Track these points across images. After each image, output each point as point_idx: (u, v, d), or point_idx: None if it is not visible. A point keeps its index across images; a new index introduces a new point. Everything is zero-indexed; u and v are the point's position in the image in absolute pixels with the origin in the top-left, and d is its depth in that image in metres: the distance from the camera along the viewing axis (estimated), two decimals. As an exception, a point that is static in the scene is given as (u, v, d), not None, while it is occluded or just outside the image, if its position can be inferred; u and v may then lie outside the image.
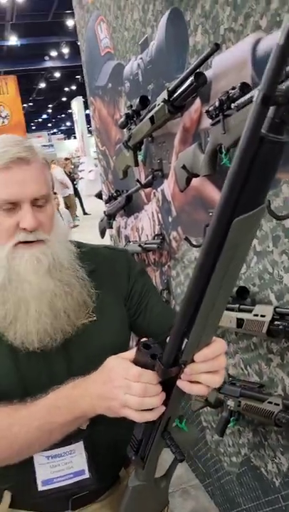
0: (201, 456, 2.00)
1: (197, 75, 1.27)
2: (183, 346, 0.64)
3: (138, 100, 1.68)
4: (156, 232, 1.98)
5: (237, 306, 1.30)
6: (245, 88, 1.09)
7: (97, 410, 0.74)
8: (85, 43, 2.50)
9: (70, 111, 25.05)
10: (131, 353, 0.71)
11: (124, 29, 1.89)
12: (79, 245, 0.99)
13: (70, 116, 28.42)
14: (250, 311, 1.24)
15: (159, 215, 1.93)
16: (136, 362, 0.68)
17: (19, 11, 13.35)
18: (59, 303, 0.86)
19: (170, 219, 1.83)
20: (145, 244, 1.98)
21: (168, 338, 0.64)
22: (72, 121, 23.31)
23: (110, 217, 2.37)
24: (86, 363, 0.84)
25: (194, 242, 1.57)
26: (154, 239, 1.97)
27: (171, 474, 0.87)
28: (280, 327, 1.10)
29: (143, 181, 1.87)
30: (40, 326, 0.84)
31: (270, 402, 1.24)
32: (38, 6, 13.38)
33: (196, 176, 1.38)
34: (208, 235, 0.53)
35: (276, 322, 1.14)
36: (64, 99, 26.32)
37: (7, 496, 0.92)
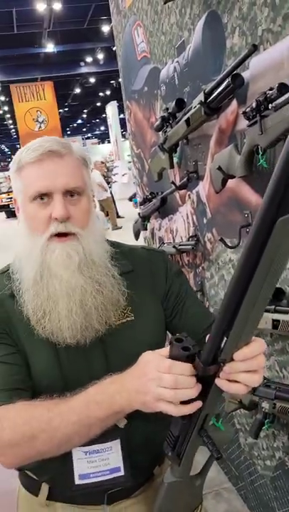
0: (234, 459, 1.99)
1: (234, 77, 1.28)
2: (222, 345, 0.64)
3: (174, 103, 1.70)
4: (190, 234, 1.99)
5: (273, 307, 1.29)
6: (283, 89, 1.09)
7: (133, 405, 0.75)
8: (121, 48, 2.55)
9: (104, 115, 25.36)
10: (166, 349, 0.72)
11: (161, 33, 1.91)
12: (117, 246, 1.01)
13: (104, 121, 28.77)
14: (286, 312, 1.23)
15: (194, 217, 1.94)
16: (170, 356, 0.70)
17: (56, 18, 13.66)
18: (89, 300, 0.88)
19: (205, 220, 1.84)
20: (179, 245, 2.00)
21: (208, 337, 0.65)
22: (106, 126, 23.59)
23: (145, 219, 2.39)
24: (123, 361, 0.85)
25: (229, 244, 1.57)
26: (188, 240, 1.98)
27: (206, 473, 0.87)
28: None
29: (178, 183, 1.89)
30: (71, 323, 0.86)
31: (306, 405, 1.23)
32: (74, 13, 13.66)
33: (232, 177, 1.39)
34: (251, 234, 0.54)
35: (313, 323, 1.13)
36: (98, 104, 26.67)
37: (45, 488, 0.95)
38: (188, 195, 1.94)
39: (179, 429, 0.74)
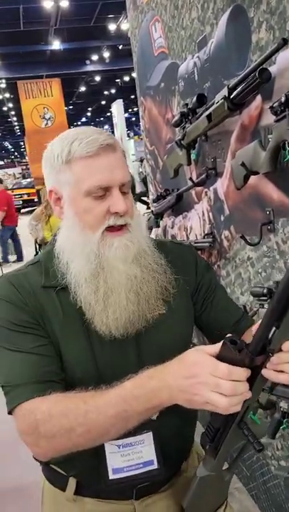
0: (245, 459, 1.97)
1: (261, 71, 1.26)
2: (270, 335, 0.64)
3: (195, 98, 1.68)
4: (206, 232, 1.98)
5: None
6: (314, 83, 1.08)
7: (175, 401, 0.74)
8: (137, 44, 2.53)
9: (108, 114, 25.33)
10: (213, 348, 0.70)
11: (181, 28, 1.90)
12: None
13: (108, 120, 28.77)
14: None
15: (210, 214, 1.93)
16: (221, 357, 0.68)
17: (63, 15, 13.66)
18: (144, 289, 0.88)
19: (222, 218, 1.82)
20: (195, 243, 1.98)
21: (255, 327, 0.65)
22: (110, 125, 23.58)
23: (158, 216, 2.38)
24: (156, 353, 0.87)
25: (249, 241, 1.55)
26: (204, 238, 1.96)
27: (235, 467, 0.87)
28: None
29: (196, 180, 1.87)
30: (126, 313, 0.87)
31: None
32: (81, 10, 13.65)
33: (256, 173, 1.38)
34: None
35: None
36: (103, 102, 26.69)
37: (72, 482, 0.94)
38: (205, 192, 1.92)
39: (220, 422, 0.73)
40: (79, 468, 0.92)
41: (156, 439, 0.88)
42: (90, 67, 19.26)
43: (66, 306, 0.90)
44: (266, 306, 1.41)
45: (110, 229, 0.87)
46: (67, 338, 0.88)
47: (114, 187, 0.86)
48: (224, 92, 1.44)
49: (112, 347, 0.89)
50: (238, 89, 1.38)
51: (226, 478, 0.86)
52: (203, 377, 0.68)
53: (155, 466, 0.88)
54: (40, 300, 0.89)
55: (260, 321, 0.67)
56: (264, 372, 0.67)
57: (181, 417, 0.91)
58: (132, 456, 0.87)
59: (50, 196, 0.93)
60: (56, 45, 16.16)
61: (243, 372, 0.66)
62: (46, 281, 0.90)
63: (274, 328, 0.64)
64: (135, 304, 0.87)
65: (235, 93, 1.40)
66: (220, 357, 0.68)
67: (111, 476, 0.87)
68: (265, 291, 1.44)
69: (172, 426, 0.91)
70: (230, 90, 1.41)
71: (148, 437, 0.88)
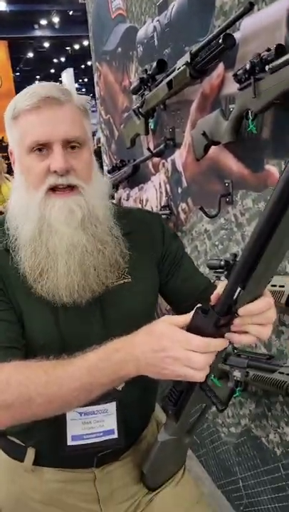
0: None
1: (226, 37, 1.23)
2: (236, 296, 0.64)
3: (155, 64, 1.62)
4: (162, 204, 1.95)
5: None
6: (280, 50, 1.06)
7: (142, 373, 0.72)
8: (92, 5, 2.41)
9: (58, 83, 24.40)
10: (181, 318, 0.68)
11: (141, -11, 1.81)
12: (116, 205, 0.98)
13: (57, 89, 27.65)
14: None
15: (167, 186, 1.90)
16: (192, 327, 0.67)
17: (10, -26, 12.84)
18: (89, 260, 0.84)
19: (180, 190, 1.80)
20: (151, 215, 1.96)
21: (223, 287, 0.65)
22: (60, 95, 22.70)
23: (113, 187, 2.32)
24: (120, 321, 0.86)
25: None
26: (160, 210, 1.94)
27: (195, 431, 0.87)
28: (302, 297, 1.10)
29: (153, 150, 1.83)
30: (68, 282, 0.83)
31: (281, 373, 1.25)
32: None
33: (217, 143, 1.36)
34: (279, 184, 0.55)
35: (295, 292, 1.14)
36: (52, 70, 25.63)
37: (31, 452, 0.92)
38: (163, 163, 1.89)
39: (183, 385, 0.74)
40: (38, 437, 0.90)
41: (119, 409, 0.88)
42: (38, 32, 18.32)
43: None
44: (222, 278, 1.42)
45: (56, 190, 0.82)
46: (29, 305, 0.85)
47: (56, 143, 0.81)
48: (186, 57, 1.39)
49: (76, 314, 0.86)
50: (201, 55, 1.34)
51: (185, 441, 0.87)
52: (173, 351, 0.66)
53: (115, 435, 0.88)
54: (2, 264, 0.84)
55: (224, 283, 0.66)
56: (227, 335, 0.67)
57: (145, 386, 0.91)
58: (94, 425, 0.87)
59: (11, 158, 0.88)
60: (2, 6, 15.19)
61: (221, 343, 0.66)
62: (8, 246, 0.85)
63: (239, 289, 0.64)
64: (80, 275, 0.83)
65: (197, 59, 1.36)
66: (191, 327, 0.67)
67: (69, 443, 0.86)
68: (222, 263, 1.45)
69: (135, 395, 0.90)
70: (193, 56, 1.37)
71: (112, 407, 0.87)
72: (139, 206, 2.24)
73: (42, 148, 0.81)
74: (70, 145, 0.83)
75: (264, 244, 0.58)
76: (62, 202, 0.82)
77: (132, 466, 0.97)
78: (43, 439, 0.90)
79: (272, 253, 0.59)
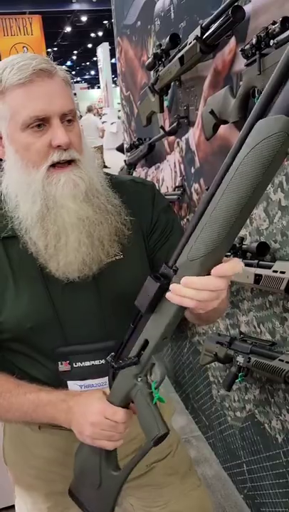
0: (205, 409, 2.03)
1: (235, 9, 1.17)
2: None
3: (168, 38, 1.57)
4: (176, 184, 1.92)
5: (256, 261, 1.26)
6: (287, 23, 1.00)
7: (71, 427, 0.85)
8: (115, -23, 2.34)
9: (94, 59, 24.18)
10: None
11: None
12: (110, 176, 0.96)
13: (94, 65, 27.48)
14: (269, 267, 1.19)
15: (182, 166, 1.86)
16: (142, 291, 0.70)
17: None
18: (96, 231, 0.84)
19: (192, 170, 1.76)
20: (165, 195, 1.93)
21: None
22: (96, 71, 22.56)
23: (131, 166, 2.30)
24: (114, 297, 0.89)
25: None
26: (174, 190, 1.91)
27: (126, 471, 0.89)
28: (301, 284, 1.06)
29: (167, 129, 1.79)
30: (80, 256, 0.83)
31: (281, 360, 1.23)
32: None
33: (225, 122, 1.31)
34: (237, 141, 0.56)
35: (296, 280, 1.10)
36: (89, 46, 25.37)
37: None
38: (177, 142, 1.85)
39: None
40: None
41: None
42: (75, 6, 18.09)
43: (16, 254, 0.87)
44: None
45: (56, 165, 0.81)
46: (18, 289, 0.86)
47: (54, 117, 0.79)
48: (197, 31, 1.34)
49: (71, 292, 0.87)
50: (211, 28, 1.29)
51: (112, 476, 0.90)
52: (101, 430, 0.81)
53: None
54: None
55: None
56: (167, 295, 0.65)
57: None
58: None
59: None
60: (39, -21, 15.06)
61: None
62: (13, 231, 0.85)
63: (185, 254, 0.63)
64: (89, 247, 0.83)
65: (208, 33, 1.30)
66: (141, 291, 0.70)
67: None
68: (228, 246, 1.42)
69: None
70: (203, 30, 1.31)
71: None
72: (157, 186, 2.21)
73: (40, 123, 0.79)
74: (67, 118, 0.81)
75: (203, 210, 0.60)
76: (67, 176, 0.81)
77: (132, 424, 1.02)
78: None
79: (214, 218, 0.58)
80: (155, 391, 0.73)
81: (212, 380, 1.90)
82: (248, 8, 1.19)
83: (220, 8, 1.22)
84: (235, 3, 1.17)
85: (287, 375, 1.17)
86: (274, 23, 1.01)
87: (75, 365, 0.90)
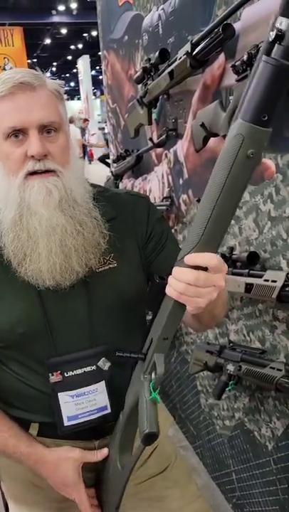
0: (193, 419, 2.04)
1: (225, 27, 1.21)
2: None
3: (157, 53, 1.60)
4: (164, 195, 1.94)
5: (246, 271, 1.28)
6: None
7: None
8: (101, -8, 2.38)
9: (74, 70, 24.26)
10: (89, 455, 0.94)
11: (147, -24, 1.79)
12: (102, 189, 0.98)
13: (74, 76, 27.60)
14: (260, 276, 1.22)
15: (170, 177, 1.89)
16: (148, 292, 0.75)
17: None
18: (70, 241, 0.85)
19: (181, 181, 1.79)
20: (153, 206, 1.95)
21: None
22: (76, 82, 22.65)
23: (117, 177, 2.32)
24: (106, 305, 0.90)
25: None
26: (162, 201, 1.93)
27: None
28: (293, 293, 1.09)
29: (156, 141, 1.82)
30: (50, 264, 0.84)
31: (272, 368, 1.25)
32: None
33: (215, 135, 1.34)
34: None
35: (287, 288, 1.13)
36: (69, 57, 25.51)
37: (34, 426, 0.97)
38: (165, 154, 1.88)
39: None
40: (38, 419, 0.96)
41: (108, 387, 0.91)
42: (55, 18, 18.22)
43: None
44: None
45: (35, 174, 0.83)
46: (12, 291, 0.87)
47: (31, 128, 0.81)
48: (187, 47, 1.37)
49: (61, 299, 0.88)
50: (201, 45, 1.32)
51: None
52: (70, 492, 0.93)
53: (109, 410, 0.93)
54: None
55: None
56: (166, 289, 0.70)
57: (131, 365, 0.93)
58: (86, 404, 0.91)
59: None
60: (20, -9, 15.13)
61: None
62: None
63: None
64: (60, 256, 0.84)
65: (198, 49, 1.34)
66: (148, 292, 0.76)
67: (66, 423, 0.91)
68: (218, 256, 1.45)
69: (124, 373, 0.93)
70: (193, 46, 1.35)
71: (101, 386, 0.91)
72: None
73: (18, 134, 0.82)
74: (46, 129, 0.83)
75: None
76: (40, 183, 0.82)
77: None
78: (43, 420, 0.95)
79: (195, 219, 0.63)
80: (152, 389, 0.76)
81: (200, 389, 1.91)
82: (237, 25, 1.23)
83: (211, 25, 1.26)
84: (226, 21, 1.20)
85: (279, 382, 1.19)
86: (265, 40, 1.04)
87: (66, 375, 0.90)
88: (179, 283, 0.67)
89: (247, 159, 0.57)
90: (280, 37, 0.50)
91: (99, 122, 13.85)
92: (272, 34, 0.50)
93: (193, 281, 0.66)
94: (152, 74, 1.67)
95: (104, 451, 0.95)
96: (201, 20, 1.44)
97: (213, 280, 0.67)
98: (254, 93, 0.54)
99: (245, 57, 1.10)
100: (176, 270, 0.68)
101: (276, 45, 0.51)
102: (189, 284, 0.66)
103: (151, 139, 1.87)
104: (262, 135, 0.56)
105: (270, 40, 0.51)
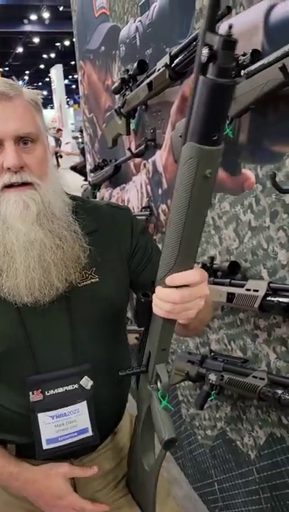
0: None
1: (204, 40, 1.22)
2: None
3: (136, 64, 1.61)
4: (143, 205, 1.94)
5: (228, 280, 1.29)
6: (255, 55, 1.06)
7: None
8: (77, 2, 2.39)
9: (47, 79, 24.17)
10: (76, 470, 0.91)
11: (124, -12, 1.80)
12: (81, 201, 0.96)
13: (47, 85, 27.50)
14: (242, 285, 1.23)
15: (148, 187, 1.89)
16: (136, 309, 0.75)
17: None
18: (49, 255, 0.82)
19: (160, 191, 1.79)
20: (131, 216, 1.95)
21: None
22: (49, 91, 22.58)
23: (95, 187, 2.31)
24: (88, 320, 0.88)
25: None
26: (141, 211, 1.93)
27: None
28: (275, 302, 1.10)
29: (134, 151, 1.82)
30: (28, 281, 0.81)
31: (254, 377, 1.25)
32: None
33: (195, 146, 1.35)
34: None
35: (269, 298, 1.14)
36: (42, 66, 25.43)
37: (11, 447, 0.93)
38: (144, 164, 1.88)
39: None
40: (16, 440, 0.92)
41: (90, 408, 0.88)
42: (28, 27, 18.16)
43: None
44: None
45: (12, 187, 0.80)
46: None
47: (7, 139, 0.79)
48: (166, 59, 1.39)
49: (41, 314, 0.85)
50: (180, 57, 1.34)
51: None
52: (67, 503, 0.87)
53: (90, 433, 0.89)
54: None
55: None
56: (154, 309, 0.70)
57: (115, 383, 0.92)
58: (67, 426, 0.87)
59: None
60: (-9, -1, 15.03)
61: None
62: None
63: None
64: (38, 272, 0.82)
65: (176, 61, 1.35)
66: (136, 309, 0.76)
67: (45, 447, 0.86)
68: (199, 266, 1.45)
69: (106, 391, 0.91)
70: (172, 58, 1.36)
71: (82, 406, 0.87)
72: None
73: None
74: (23, 140, 0.81)
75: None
76: (17, 196, 0.80)
77: (108, 457, 0.99)
78: (20, 442, 0.92)
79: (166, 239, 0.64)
80: (161, 398, 0.77)
81: (181, 399, 1.90)
82: (215, 39, 1.25)
83: (190, 38, 1.28)
84: (204, 34, 1.22)
85: (261, 391, 1.20)
86: (244, 54, 1.06)
87: (47, 393, 0.86)
88: (165, 303, 0.67)
89: (205, 179, 0.57)
90: (213, 56, 0.49)
91: (72, 131, 13.79)
92: (206, 53, 0.50)
93: (179, 300, 0.66)
94: (130, 85, 1.68)
95: (95, 468, 0.92)
96: (178, 32, 1.46)
97: (197, 293, 0.67)
98: (199, 115, 0.53)
99: (224, 70, 1.12)
100: (159, 291, 0.67)
101: (210, 64, 0.50)
102: (175, 303, 0.67)
103: (129, 149, 1.87)
104: (215, 154, 0.56)
105: (204, 60, 0.50)
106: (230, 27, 0.49)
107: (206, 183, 0.58)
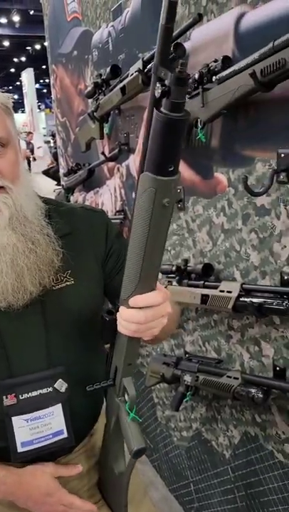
0: (149, 432, 2.03)
1: (176, 46, 1.24)
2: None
3: (109, 69, 1.62)
4: (117, 208, 1.95)
5: (202, 282, 1.31)
6: (226, 62, 1.09)
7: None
8: (49, 6, 2.38)
9: (18, 83, 23.92)
10: (62, 469, 0.91)
11: (96, -6, 1.81)
12: (55, 204, 0.96)
13: (18, 89, 27.20)
14: (215, 287, 1.25)
15: (122, 191, 1.90)
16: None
17: None
18: (22, 260, 0.82)
19: (134, 195, 1.80)
20: (105, 219, 1.95)
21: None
22: (20, 95, 22.33)
23: (69, 190, 2.30)
24: (63, 324, 0.88)
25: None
26: (115, 215, 1.94)
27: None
28: (248, 302, 1.12)
29: (108, 155, 1.83)
30: (1, 285, 0.82)
31: (229, 377, 1.27)
32: None
33: (168, 150, 1.37)
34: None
35: (242, 298, 1.17)
36: (12, 70, 25.17)
37: None
38: (118, 168, 1.89)
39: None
40: None
41: (65, 410, 0.88)
42: (-2, 31, 17.96)
43: None
44: (174, 283, 1.44)
45: None
46: None
47: None
48: (138, 64, 1.40)
49: (16, 318, 0.85)
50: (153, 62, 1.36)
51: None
52: (57, 499, 0.88)
53: (65, 435, 0.88)
54: None
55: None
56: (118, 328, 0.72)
57: (90, 382, 0.90)
58: (42, 429, 0.86)
59: None
60: None
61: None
62: None
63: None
64: (11, 276, 0.82)
65: (149, 66, 1.37)
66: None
67: (20, 450, 0.85)
68: (173, 268, 1.47)
69: (81, 395, 0.90)
70: (145, 63, 1.38)
71: (57, 409, 0.87)
72: (95, 210, 2.23)
73: None
74: None
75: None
76: None
77: (85, 458, 0.99)
78: None
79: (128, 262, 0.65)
80: (129, 411, 0.78)
81: (156, 401, 1.91)
82: (187, 45, 1.28)
83: (162, 44, 1.29)
84: (177, 41, 1.24)
85: (236, 390, 1.22)
86: (215, 60, 1.09)
87: (21, 397, 0.86)
88: (130, 324, 0.69)
89: (164, 208, 0.59)
90: (166, 92, 0.51)
91: (44, 136, 13.67)
92: (159, 89, 0.51)
93: (144, 320, 0.68)
94: (104, 89, 1.69)
95: (79, 467, 0.92)
96: (151, 38, 1.48)
97: (160, 312, 0.70)
98: (154, 147, 0.55)
99: (196, 76, 1.15)
100: (123, 312, 0.69)
101: (164, 99, 0.51)
102: (140, 323, 0.69)
103: (103, 153, 1.87)
104: (172, 184, 0.58)
105: (158, 96, 0.51)
106: (182, 64, 0.50)
107: (165, 211, 0.59)
